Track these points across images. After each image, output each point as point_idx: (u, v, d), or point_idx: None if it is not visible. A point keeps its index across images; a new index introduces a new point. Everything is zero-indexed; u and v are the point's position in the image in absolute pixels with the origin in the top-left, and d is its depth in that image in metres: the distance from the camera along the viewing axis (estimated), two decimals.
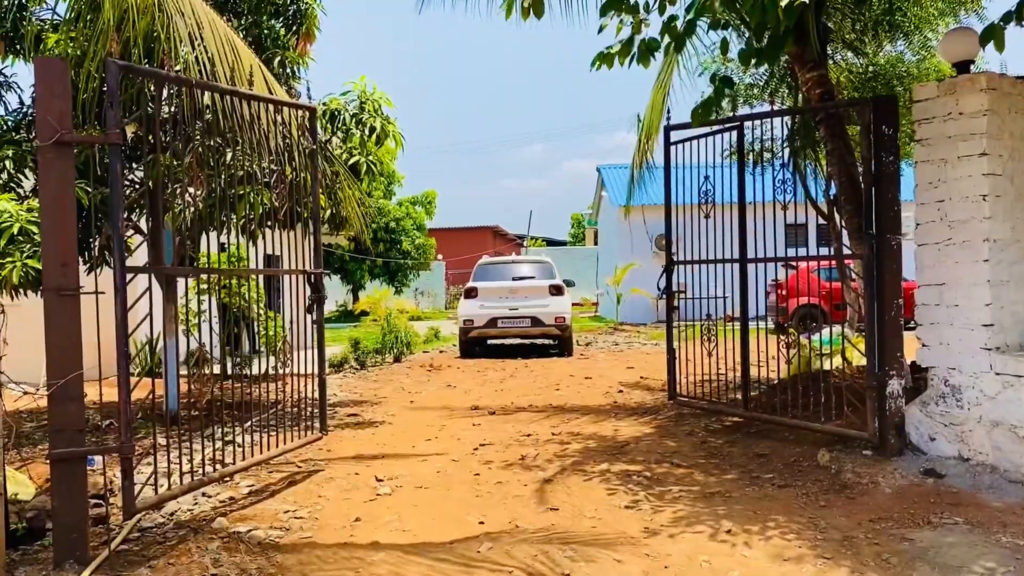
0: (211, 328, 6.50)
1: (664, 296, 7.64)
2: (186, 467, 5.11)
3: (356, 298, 31.16)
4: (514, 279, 15.02)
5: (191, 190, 7.23)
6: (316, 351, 6.07)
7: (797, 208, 6.78)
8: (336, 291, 33.32)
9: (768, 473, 5.54)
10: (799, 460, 5.77)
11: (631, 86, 34.35)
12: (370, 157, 8.98)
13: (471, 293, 14.84)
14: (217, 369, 6.55)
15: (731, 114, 9.40)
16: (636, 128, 11.75)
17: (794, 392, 6.44)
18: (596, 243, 41.37)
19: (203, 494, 5.24)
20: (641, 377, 11.04)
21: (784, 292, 20.06)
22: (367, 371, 12.88)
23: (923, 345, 5.55)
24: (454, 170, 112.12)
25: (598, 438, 6.88)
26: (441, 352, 16.33)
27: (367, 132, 8.09)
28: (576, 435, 7.04)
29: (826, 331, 9.94)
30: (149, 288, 4.27)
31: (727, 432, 6.87)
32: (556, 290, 14.72)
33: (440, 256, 37.12)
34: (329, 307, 35.01)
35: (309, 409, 6.25)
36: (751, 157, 9.71)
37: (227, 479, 5.48)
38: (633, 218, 24.46)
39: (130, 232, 7.86)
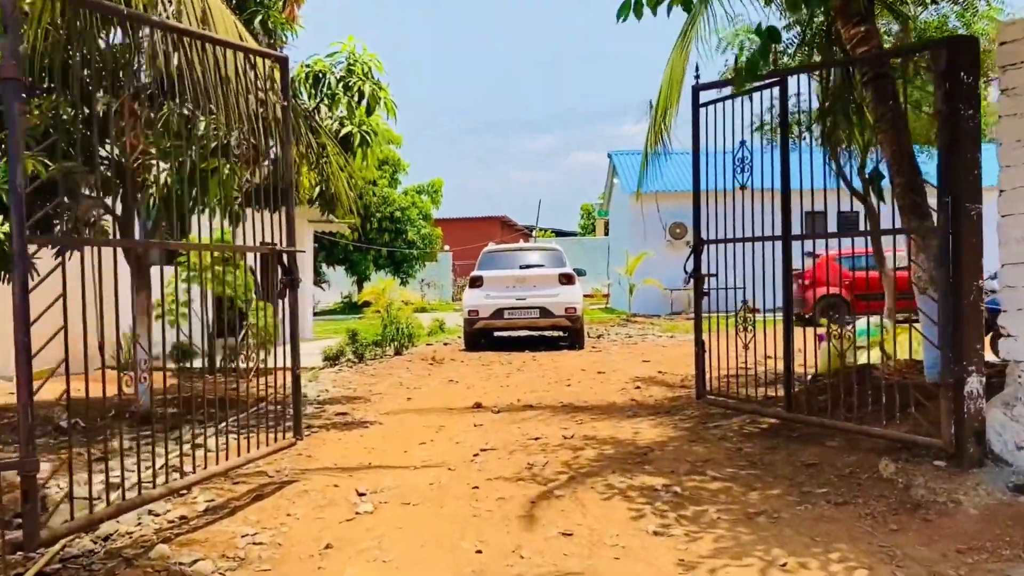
0: (189, 318, 5.64)
1: (692, 280, 6.74)
2: (132, 479, 4.28)
3: (361, 289, 30.37)
4: (522, 267, 14.14)
5: (157, 162, 6.41)
6: (289, 344, 5.21)
7: (816, 195, 5.89)
8: (341, 282, 32.54)
9: (821, 487, 4.66)
10: (856, 471, 4.89)
11: (641, 71, 33.38)
12: (363, 127, 8.08)
13: (476, 282, 13.97)
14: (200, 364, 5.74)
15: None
16: (648, 113, 10.76)
17: (837, 390, 5.57)
18: (607, 234, 40.47)
19: (150, 512, 4.40)
20: (659, 372, 10.16)
21: (806, 282, 19.15)
22: (365, 364, 12.04)
23: (1007, 335, 4.66)
24: (460, 160, 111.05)
25: (616, 443, 6.01)
26: (445, 345, 15.49)
27: (355, 98, 7.21)
28: (591, 439, 6.17)
29: (861, 322, 9.03)
30: (62, 264, 3.43)
31: (765, 436, 5.98)
32: (566, 279, 13.84)
33: (447, 247, 36.28)
34: (334, 298, 34.20)
35: (289, 409, 5.40)
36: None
37: (181, 493, 4.64)
38: (646, 205, 23.58)
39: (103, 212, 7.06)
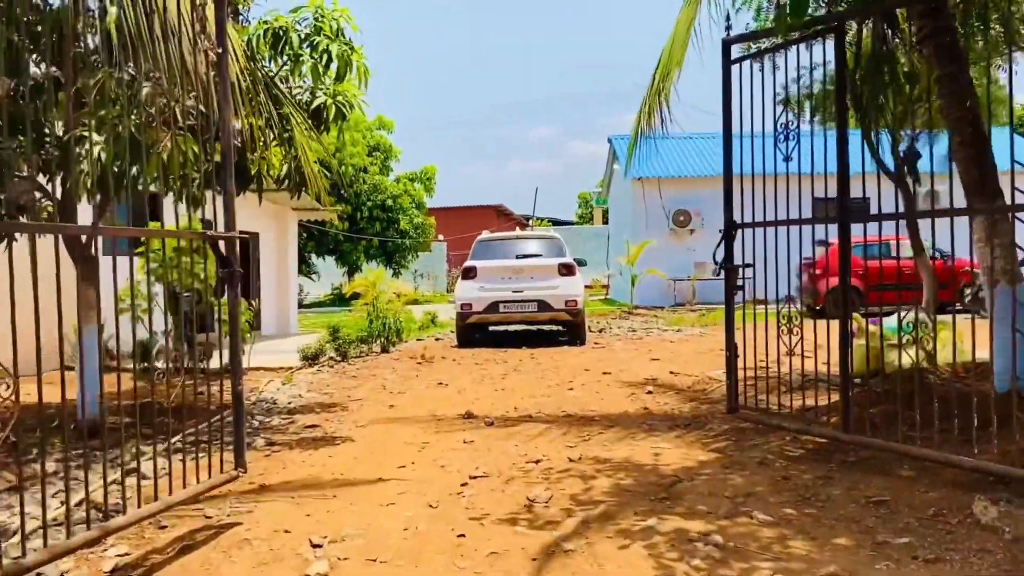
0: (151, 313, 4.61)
1: (722, 272, 5.74)
2: (54, 514, 3.28)
3: (352, 281, 29.32)
4: (518, 257, 13.12)
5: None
6: (230, 350, 4.18)
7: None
8: (332, 273, 31.50)
9: (900, 535, 3.66)
10: (941, 512, 3.88)
11: (638, 56, 32.23)
12: (339, 98, 7.01)
13: (469, 273, 12.95)
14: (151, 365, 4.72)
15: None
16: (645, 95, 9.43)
17: (891, 401, 4.58)
18: (606, 223, 39.43)
19: None
20: (671, 372, 9.17)
21: (817, 272, 18.15)
22: (348, 364, 11.03)
23: None
24: (455, 148, 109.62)
25: (634, 468, 5.00)
26: (437, 340, 14.49)
27: (322, 60, 6.16)
28: (603, 462, 5.16)
29: (892, 319, 8.01)
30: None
31: (814, 460, 4.98)
32: (566, 269, 12.83)
33: (441, 236, 35.24)
34: (324, 290, 33.12)
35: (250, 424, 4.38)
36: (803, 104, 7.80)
37: (88, 546, 3.63)
38: (648, 192, 22.56)
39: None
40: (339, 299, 29.14)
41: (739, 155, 5.58)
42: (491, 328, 14.00)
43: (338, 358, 11.38)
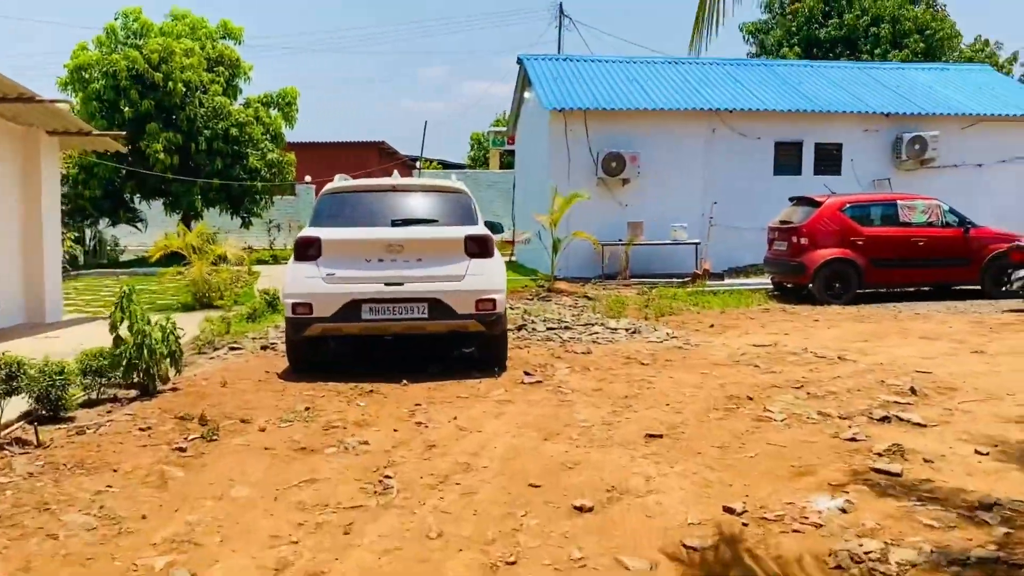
0: None
1: None
2: None
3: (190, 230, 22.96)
4: (396, 223, 7.69)
5: None
6: None
7: None
8: (160, 221, 24.81)
9: None
10: None
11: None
12: None
13: (307, 249, 7.47)
14: None
15: None
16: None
17: None
18: (505, 168, 34.03)
19: None
20: (726, 509, 4.13)
21: (801, 240, 13.53)
22: (51, 434, 5.43)
23: None
24: (326, 76, 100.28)
25: None
26: (265, 349, 8.97)
27: None
28: None
29: None
30: None
31: None
32: (478, 246, 7.56)
33: (308, 178, 29.02)
34: (153, 240, 26.41)
35: None
36: None
37: None
38: (572, 128, 17.40)
39: None
40: (174, 256, 22.72)
41: None
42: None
43: (29, 420, 5.73)
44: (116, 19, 22.80)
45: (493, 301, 7.31)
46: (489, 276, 7.43)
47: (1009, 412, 5.82)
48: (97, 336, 7.69)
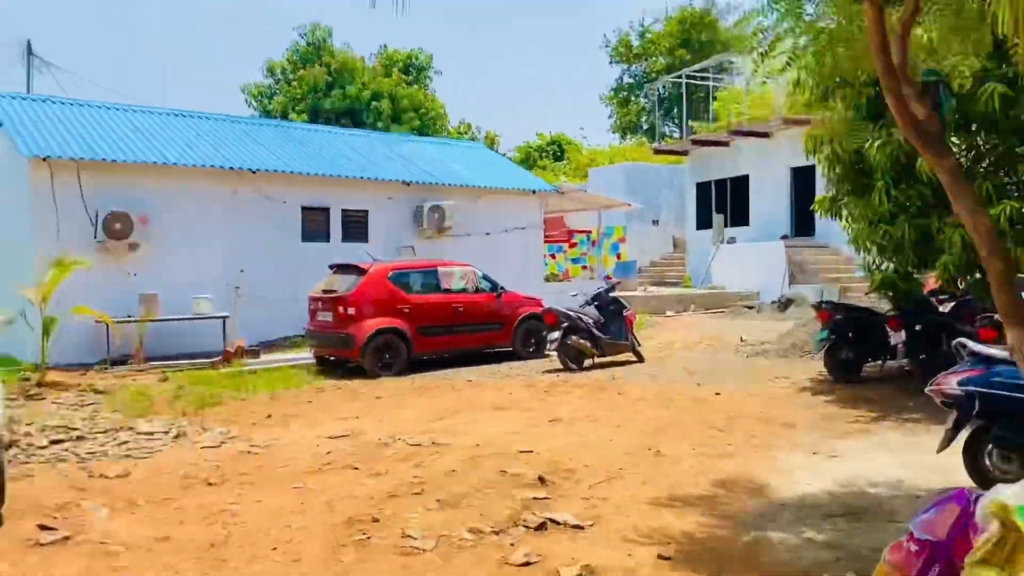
0: None
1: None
2: None
3: None
4: None
5: None
6: None
7: None
8: None
9: None
10: None
11: None
12: None
13: None
14: None
15: None
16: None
17: None
18: None
19: None
20: None
21: (348, 310, 12.68)
22: None
23: None
24: None
25: None
26: None
27: None
28: None
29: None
30: None
31: None
32: None
33: None
34: None
35: None
36: None
37: None
38: (62, 182, 14.16)
39: None
40: None
41: None
42: None
43: None
44: None
45: None
46: None
47: (644, 494, 5.54)
48: None
